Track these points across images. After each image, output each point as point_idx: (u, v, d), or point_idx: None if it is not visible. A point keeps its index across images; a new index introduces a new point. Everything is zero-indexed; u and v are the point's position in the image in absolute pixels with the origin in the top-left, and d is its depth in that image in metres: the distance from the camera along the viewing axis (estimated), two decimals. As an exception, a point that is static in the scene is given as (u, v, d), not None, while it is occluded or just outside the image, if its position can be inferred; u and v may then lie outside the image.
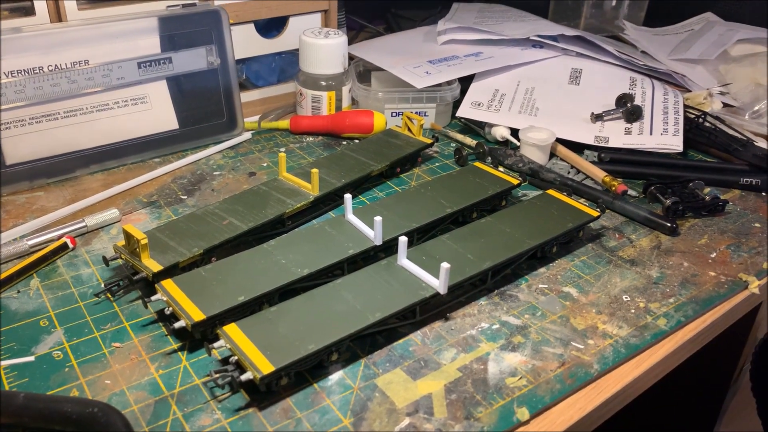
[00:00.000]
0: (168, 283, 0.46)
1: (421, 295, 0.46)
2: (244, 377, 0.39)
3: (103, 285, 0.49)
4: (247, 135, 0.74)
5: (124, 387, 0.41)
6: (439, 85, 0.76)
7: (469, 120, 0.76)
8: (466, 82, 0.79)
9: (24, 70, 0.60)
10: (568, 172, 0.68)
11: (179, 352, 0.44)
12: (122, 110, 0.66)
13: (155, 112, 0.68)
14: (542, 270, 0.54)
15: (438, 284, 0.46)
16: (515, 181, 0.60)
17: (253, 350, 0.41)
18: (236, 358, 0.41)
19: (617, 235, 0.59)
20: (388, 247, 0.53)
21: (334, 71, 0.75)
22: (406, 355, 0.45)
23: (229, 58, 0.71)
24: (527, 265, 0.54)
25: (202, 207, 0.56)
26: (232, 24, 0.71)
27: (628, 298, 0.51)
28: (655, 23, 1.08)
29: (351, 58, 0.83)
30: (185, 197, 0.62)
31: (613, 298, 0.51)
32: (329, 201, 0.61)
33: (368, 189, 0.65)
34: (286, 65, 0.83)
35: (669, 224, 0.59)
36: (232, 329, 0.42)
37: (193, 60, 0.69)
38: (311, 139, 0.75)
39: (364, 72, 0.85)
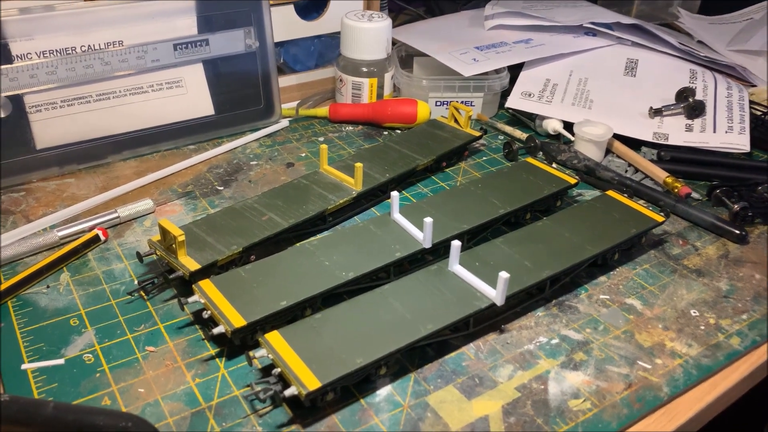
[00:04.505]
0: (206, 284, 0.43)
1: (476, 305, 0.43)
2: (288, 393, 0.36)
3: (136, 282, 0.47)
4: (285, 122, 0.71)
5: (158, 396, 0.39)
6: (486, 73, 0.72)
7: (518, 111, 0.72)
8: (513, 70, 0.75)
9: (56, 51, 0.58)
10: (626, 171, 0.64)
11: (217, 359, 0.42)
12: (157, 94, 0.64)
13: (191, 96, 0.65)
14: (602, 279, 0.50)
15: (494, 294, 0.43)
16: (572, 181, 0.57)
17: (297, 362, 0.38)
18: (279, 370, 0.38)
19: (681, 242, 0.55)
20: (436, 249, 0.50)
21: (376, 57, 0.71)
22: (459, 370, 0.42)
23: (268, 40, 0.67)
24: (586, 272, 0.50)
25: (241, 201, 0.53)
26: (271, 5, 0.67)
27: (697, 313, 0.47)
28: (711, 11, 1.02)
29: (393, 42, 0.79)
30: (221, 188, 0.59)
31: (681, 313, 0.47)
32: (371, 197, 0.58)
33: (412, 184, 0.62)
34: (325, 49, 0.79)
35: (737, 231, 0.55)
36: (274, 337, 0.39)
37: (231, 42, 0.66)
38: (351, 128, 0.72)
39: (405, 57, 0.81)
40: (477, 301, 0.43)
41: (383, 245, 0.48)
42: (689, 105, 0.69)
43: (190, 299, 0.43)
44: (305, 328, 0.40)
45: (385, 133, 0.71)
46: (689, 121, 0.69)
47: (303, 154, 0.65)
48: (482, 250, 0.48)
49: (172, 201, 0.57)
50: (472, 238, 0.53)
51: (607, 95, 0.72)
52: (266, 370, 0.41)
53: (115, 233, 0.53)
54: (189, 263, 0.45)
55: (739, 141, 0.65)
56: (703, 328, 0.46)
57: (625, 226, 0.51)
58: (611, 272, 0.51)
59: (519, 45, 0.77)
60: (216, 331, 0.40)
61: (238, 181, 0.60)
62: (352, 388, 0.40)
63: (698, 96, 0.71)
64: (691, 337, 0.45)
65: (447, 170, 0.64)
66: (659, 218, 0.52)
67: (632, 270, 0.51)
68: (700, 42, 0.89)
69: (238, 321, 0.40)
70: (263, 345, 0.39)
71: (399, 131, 0.71)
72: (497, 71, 0.73)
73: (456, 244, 0.45)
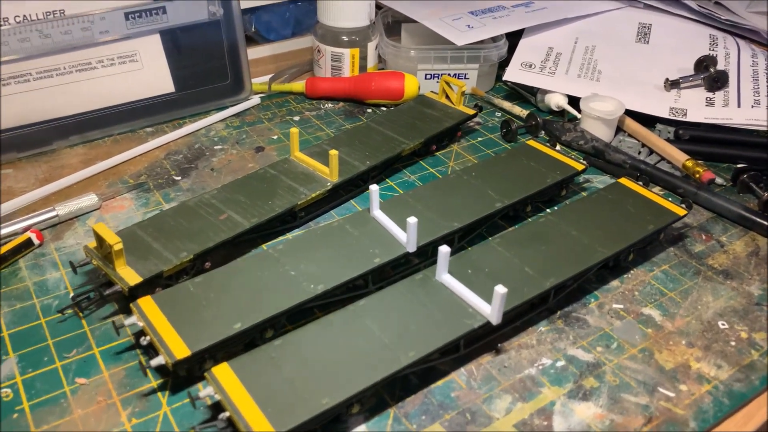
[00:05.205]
0: (146, 303, 0.37)
1: (467, 325, 0.36)
2: (236, 445, 0.30)
3: (71, 297, 0.40)
4: (256, 99, 0.63)
5: (85, 444, 0.32)
6: (482, 41, 0.64)
7: (518, 85, 0.64)
8: (511, 38, 0.67)
9: (-16, 22, 0.50)
10: (639, 152, 0.57)
11: (159, 393, 0.35)
12: (107, 70, 0.56)
13: (147, 72, 0.58)
14: (615, 283, 0.43)
15: (489, 311, 0.36)
16: (579, 167, 0.49)
17: (249, 405, 0.31)
18: (228, 414, 0.31)
19: (704, 237, 0.48)
20: (423, 251, 0.43)
21: (358, 24, 0.63)
22: (447, 403, 0.35)
23: (235, 7, 0.59)
24: (596, 276, 0.44)
25: (196, 196, 0.46)
26: (237, -34, 0.59)
27: (726, 325, 0.41)
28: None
29: (378, 7, 0.71)
30: (179, 178, 0.52)
31: (707, 325, 0.41)
32: (351, 187, 0.51)
33: (397, 170, 0.54)
34: (302, 15, 0.71)
35: (768, 224, 0.48)
36: (223, 372, 0.33)
37: (192, 10, 0.58)
38: (330, 105, 0.64)
39: (392, 24, 0.73)
40: (468, 319, 0.36)
41: (361, 249, 0.41)
42: (710, 76, 0.62)
43: (127, 322, 0.36)
44: (262, 359, 0.34)
45: (369, 110, 0.63)
46: (710, 95, 0.61)
47: (275, 137, 0.58)
48: (476, 254, 0.41)
49: (121, 194, 0.50)
50: (465, 236, 0.46)
51: (617, 65, 0.65)
52: (217, 407, 0.34)
53: (53, 235, 0.46)
54: (129, 275, 0.38)
55: (766, 117, 0.58)
56: (733, 343, 0.39)
57: (641, 221, 0.44)
58: (625, 275, 0.44)
59: (518, 9, 0.69)
60: (154, 362, 0.34)
61: (198, 169, 0.53)
62: (319, 430, 0.33)
63: (720, 65, 0.64)
64: (720, 356, 0.38)
65: (437, 154, 0.57)
66: (680, 211, 0.45)
67: (649, 272, 0.44)
68: (717, 3, 0.81)
69: (182, 351, 0.34)
70: (210, 383, 0.32)
71: (384, 108, 0.63)
72: (494, 39, 0.65)
73: (444, 251, 0.38)
